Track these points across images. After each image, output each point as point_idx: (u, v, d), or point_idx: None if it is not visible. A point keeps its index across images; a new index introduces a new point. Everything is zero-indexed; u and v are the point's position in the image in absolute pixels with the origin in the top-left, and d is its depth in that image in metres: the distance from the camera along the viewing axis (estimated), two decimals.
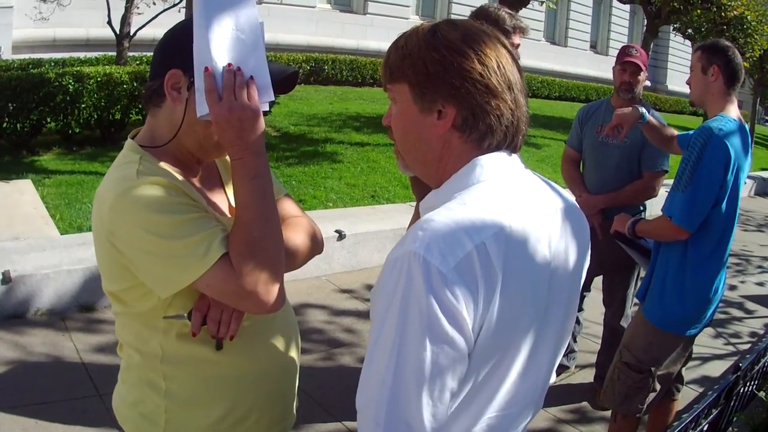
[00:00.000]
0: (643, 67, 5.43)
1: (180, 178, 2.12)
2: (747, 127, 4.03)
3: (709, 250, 3.98)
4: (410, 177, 3.43)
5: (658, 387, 4.21)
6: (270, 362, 2.31)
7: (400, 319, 1.52)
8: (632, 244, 4.48)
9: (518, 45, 4.00)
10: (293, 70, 2.25)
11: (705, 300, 4.04)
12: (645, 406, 4.24)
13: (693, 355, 4.65)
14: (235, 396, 2.23)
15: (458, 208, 1.62)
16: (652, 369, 4.15)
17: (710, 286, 4.03)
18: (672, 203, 3.97)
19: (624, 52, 5.45)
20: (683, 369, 4.54)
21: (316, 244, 2.40)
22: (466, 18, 1.87)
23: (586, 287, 5.86)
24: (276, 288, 2.00)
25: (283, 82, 2.19)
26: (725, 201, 3.90)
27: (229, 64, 1.93)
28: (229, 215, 2.28)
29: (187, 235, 1.92)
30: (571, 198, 1.90)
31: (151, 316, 2.10)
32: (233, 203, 2.17)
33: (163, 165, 2.11)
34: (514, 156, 1.79)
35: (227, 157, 2.15)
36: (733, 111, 4.00)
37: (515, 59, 1.76)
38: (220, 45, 1.93)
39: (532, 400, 1.86)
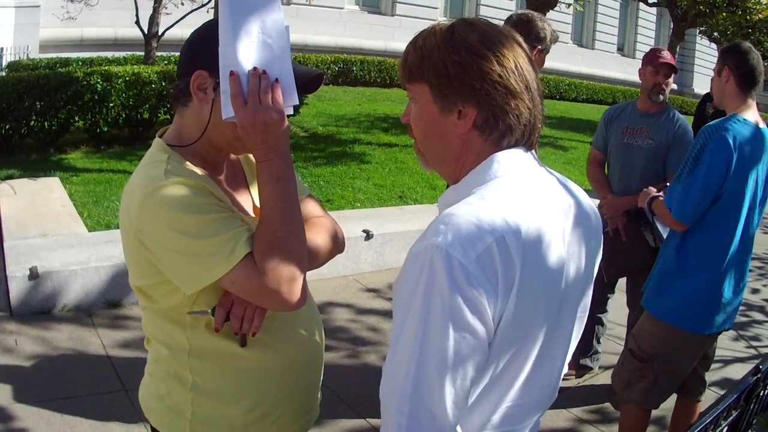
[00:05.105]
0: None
1: (206, 177, 2.15)
2: (766, 131, 4.03)
3: (704, 247, 4.00)
4: None
5: (664, 382, 4.23)
6: (295, 356, 2.34)
7: (423, 310, 1.56)
8: (648, 222, 4.52)
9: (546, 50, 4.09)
10: (317, 73, 2.27)
11: (701, 297, 4.04)
12: (650, 399, 4.27)
13: (715, 358, 4.65)
14: (261, 389, 2.26)
15: (478, 203, 1.66)
16: (654, 361, 4.18)
17: (706, 284, 4.02)
18: (671, 195, 4.02)
19: (656, 54, 5.40)
20: (705, 373, 4.55)
21: (337, 244, 2.43)
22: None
23: (611, 289, 5.85)
24: (298, 286, 2.04)
25: (307, 84, 2.21)
26: (724, 199, 3.91)
27: (255, 68, 1.96)
28: (253, 214, 2.31)
29: (214, 234, 1.96)
30: (584, 194, 1.92)
31: (176, 311, 2.14)
32: (257, 203, 2.20)
33: (190, 164, 2.15)
34: (530, 153, 1.82)
35: (252, 157, 2.17)
36: (749, 113, 4.00)
37: (531, 58, 1.79)
38: (246, 49, 1.96)
39: (547, 391, 1.90)
